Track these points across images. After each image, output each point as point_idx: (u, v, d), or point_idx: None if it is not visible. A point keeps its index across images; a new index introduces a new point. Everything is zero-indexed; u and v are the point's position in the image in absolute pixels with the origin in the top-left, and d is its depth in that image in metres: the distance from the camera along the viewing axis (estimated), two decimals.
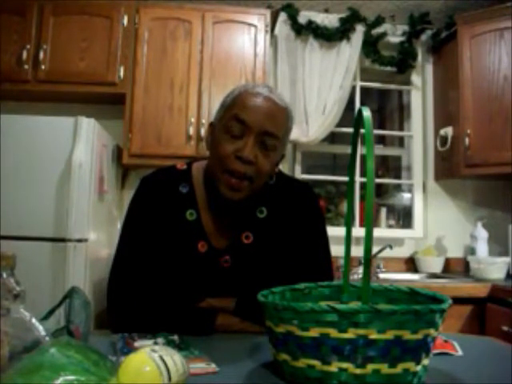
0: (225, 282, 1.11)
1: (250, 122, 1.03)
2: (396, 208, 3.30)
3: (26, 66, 2.54)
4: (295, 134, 2.79)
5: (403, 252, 3.01)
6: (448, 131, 2.82)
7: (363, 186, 2.96)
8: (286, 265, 1.12)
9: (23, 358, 0.53)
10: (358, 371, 0.63)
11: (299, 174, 2.98)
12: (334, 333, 0.63)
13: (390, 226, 3.12)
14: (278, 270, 1.10)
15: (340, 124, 2.91)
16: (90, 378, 0.50)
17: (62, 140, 2.12)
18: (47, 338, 0.61)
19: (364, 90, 3.14)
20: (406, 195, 3.29)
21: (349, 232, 0.84)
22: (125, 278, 1.09)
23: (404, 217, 3.23)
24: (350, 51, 2.89)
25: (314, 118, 2.81)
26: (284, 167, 2.91)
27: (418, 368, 0.66)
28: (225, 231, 1.14)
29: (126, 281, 1.09)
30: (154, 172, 1.19)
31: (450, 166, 2.85)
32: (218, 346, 0.92)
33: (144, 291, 1.07)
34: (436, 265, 2.88)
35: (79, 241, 2.08)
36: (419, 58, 3.06)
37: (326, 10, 2.94)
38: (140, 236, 1.11)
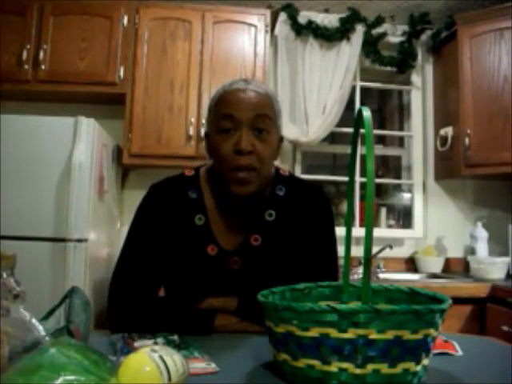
0: (234, 283, 1.12)
1: (238, 115, 1.06)
2: (396, 208, 3.30)
3: (26, 66, 2.54)
4: (295, 133, 2.79)
5: (403, 252, 3.01)
6: (448, 131, 2.82)
7: (363, 186, 2.96)
8: (294, 267, 1.12)
9: (23, 358, 0.53)
10: (358, 371, 0.63)
11: (299, 174, 2.97)
12: (333, 333, 0.63)
13: (389, 226, 3.12)
14: (285, 271, 1.11)
15: (340, 124, 2.91)
16: (90, 377, 0.50)
17: (61, 140, 2.12)
18: (47, 338, 0.61)
19: (364, 90, 3.14)
20: (406, 195, 3.29)
21: (349, 232, 0.84)
22: (128, 280, 1.10)
23: (404, 217, 3.23)
24: (349, 51, 2.89)
25: (314, 118, 2.81)
26: (284, 167, 2.90)
27: (418, 368, 0.66)
28: (233, 233, 1.15)
29: (128, 283, 1.09)
30: (163, 180, 1.21)
31: (450, 166, 2.85)
32: (218, 346, 0.91)
33: (146, 293, 1.08)
34: (436, 265, 2.87)
35: (79, 241, 2.08)
36: (419, 58, 3.06)
37: (326, 10, 2.94)
38: (147, 240, 1.12)
